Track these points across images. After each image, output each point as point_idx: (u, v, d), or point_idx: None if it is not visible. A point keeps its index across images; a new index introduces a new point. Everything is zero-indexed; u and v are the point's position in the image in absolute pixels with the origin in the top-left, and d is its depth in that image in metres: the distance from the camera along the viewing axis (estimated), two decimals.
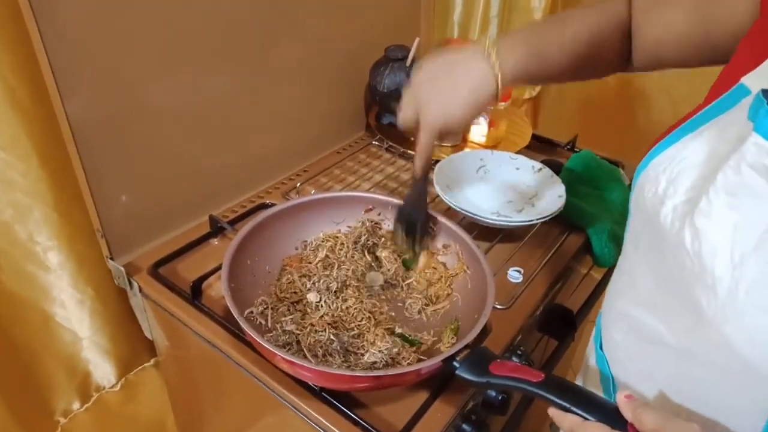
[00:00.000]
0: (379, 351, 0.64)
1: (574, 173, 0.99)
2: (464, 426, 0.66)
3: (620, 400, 0.45)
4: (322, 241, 0.79)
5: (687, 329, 0.46)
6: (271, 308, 0.69)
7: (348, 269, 0.75)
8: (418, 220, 0.75)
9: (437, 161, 0.91)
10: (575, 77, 0.64)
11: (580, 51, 0.61)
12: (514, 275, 0.82)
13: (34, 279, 0.76)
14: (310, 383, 0.64)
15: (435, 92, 0.61)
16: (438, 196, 0.87)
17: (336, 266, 0.76)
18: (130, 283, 0.79)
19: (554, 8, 1.44)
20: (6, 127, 0.66)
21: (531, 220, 0.83)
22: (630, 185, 0.54)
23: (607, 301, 0.62)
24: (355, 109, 1.15)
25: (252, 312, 0.68)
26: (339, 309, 0.70)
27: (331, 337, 0.65)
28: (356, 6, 1.03)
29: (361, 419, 0.61)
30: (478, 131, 1.09)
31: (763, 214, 0.39)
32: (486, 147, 1.06)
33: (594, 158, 1.03)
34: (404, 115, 0.64)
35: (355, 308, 0.70)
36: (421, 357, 0.66)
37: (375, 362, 0.64)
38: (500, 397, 0.62)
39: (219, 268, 0.68)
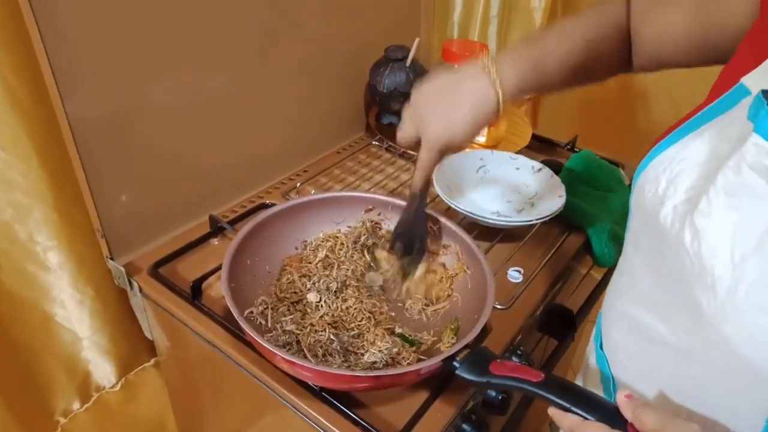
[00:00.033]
0: (379, 351, 0.64)
1: (574, 173, 0.99)
2: (464, 426, 0.66)
3: (620, 399, 0.45)
4: (322, 241, 0.79)
5: (687, 329, 0.46)
6: (271, 308, 0.69)
7: (348, 269, 0.75)
8: (416, 239, 0.72)
9: None
10: (576, 85, 0.64)
11: (579, 61, 0.61)
12: (514, 275, 0.82)
13: (34, 279, 0.76)
14: (310, 383, 0.64)
15: (437, 110, 0.61)
16: (438, 196, 0.87)
17: (336, 266, 0.76)
18: (130, 283, 0.79)
19: (554, 8, 1.44)
20: (6, 127, 0.66)
21: (531, 220, 0.83)
22: (630, 185, 0.54)
23: (607, 300, 0.62)
24: (355, 109, 1.15)
25: (252, 312, 0.68)
26: (339, 309, 0.70)
27: (331, 337, 0.65)
28: (356, 6, 1.03)
29: (361, 419, 0.61)
30: None
31: (763, 215, 0.39)
32: (486, 147, 1.06)
33: (594, 158, 1.03)
34: (404, 132, 0.64)
35: (355, 308, 0.70)
36: (421, 357, 0.66)
37: (375, 362, 0.64)
38: (500, 397, 0.62)
39: (219, 268, 0.68)
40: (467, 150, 1.04)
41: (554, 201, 0.86)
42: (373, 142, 1.14)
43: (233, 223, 0.87)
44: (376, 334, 0.67)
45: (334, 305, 0.70)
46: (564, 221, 0.90)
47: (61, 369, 0.83)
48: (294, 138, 1.02)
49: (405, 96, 1.05)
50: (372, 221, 0.81)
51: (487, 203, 0.91)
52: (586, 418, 0.46)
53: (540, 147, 1.15)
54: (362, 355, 0.65)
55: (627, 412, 0.44)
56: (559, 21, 0.63)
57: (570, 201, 0.87)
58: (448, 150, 0.63)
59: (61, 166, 0.71)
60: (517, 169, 0.96)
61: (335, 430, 0.60)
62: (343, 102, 1.11)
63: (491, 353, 0.58)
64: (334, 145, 1.12)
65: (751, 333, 0.40)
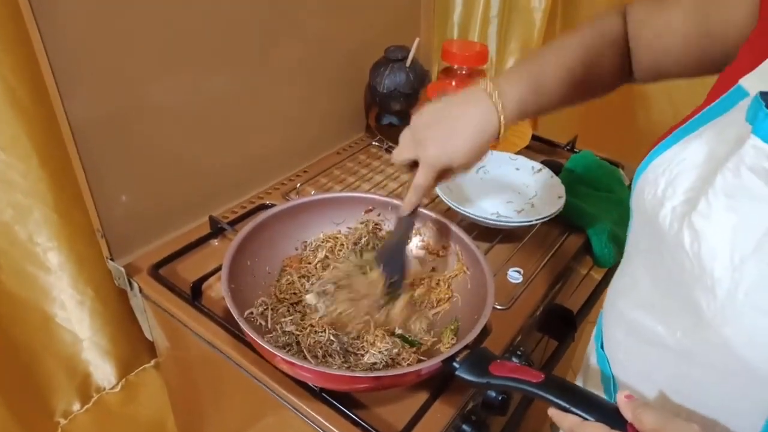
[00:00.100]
0: (379, 352, 0.64)
1: (574, 174, 0.99)
2: (464, 426, 0.66)
3: (620, 400, 0.45)
4: (322, 242, 0.79)
5: (686, 330, 0.46)
6: (271, 309, 0.69)
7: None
8: (395, 272, 0.68)
9: None
10: (578, 101, 0.64)
11: (579, 76, 0.61)
12: (514, 276, 0.82)
13: (35, 280, 0.76)
14: (310, 384, 0.64)
15: (437, 134, 0.60)
16: (438, 196, 0.87)
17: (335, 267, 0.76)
18: (131, 284, 0.79)
19: (554, 8, 1.44)
20: (6, 127, 0.66)
21: (531, 221, 0.83)
22: (630, 186, 0.54)
23: (608, 301, 0.62)
24: (355, 110, 1.15)
25: (252, 313, 0.68)
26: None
27: (331, 337, 0.65)
28: (356, 6, 1.03)
29: (361, 420, 0.61)
30: None
31: (762, 217, 0.39)
32: None
33: (594, 159, 1.03)
34: (401, 153, 0.63)
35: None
36: (421, 358, 0.66)
37: (375, 363, 0.64)
38: (500, 398, 0.62)
39: (219, 268, 0.68)
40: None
41: (554, 201, 0.86)
42: (373, 143, 1.14)
43: (233, 223, 0.87)
44: (376, 335, 0.67)
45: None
46: (564, 222, 0.90)
47: (61, 370, 0.83)
48: (294, 138, 1.02)
49: (405, 96, 1.05)
50: (373, 222, 0.80)
51: (487, 204, 0.91)
52: (585, 419, 0.46)
53: (540, 147, 1.15)
54: (362, 355, 0.65)
55: (627, 413, 0.44)
56: (557, 38, 0.64)
57: (570, 201, 0.88)
58: (446, 173, 0.62)
59: (61, 166, 0.71)
60: (517, 169, 0.96)
61: (335, 430, 0.60)
62: (343, 102, 1.12)
63: (491, 354, 0.58)
64: (334, 145, 1.12)
65: (751, 335, 0.41)
